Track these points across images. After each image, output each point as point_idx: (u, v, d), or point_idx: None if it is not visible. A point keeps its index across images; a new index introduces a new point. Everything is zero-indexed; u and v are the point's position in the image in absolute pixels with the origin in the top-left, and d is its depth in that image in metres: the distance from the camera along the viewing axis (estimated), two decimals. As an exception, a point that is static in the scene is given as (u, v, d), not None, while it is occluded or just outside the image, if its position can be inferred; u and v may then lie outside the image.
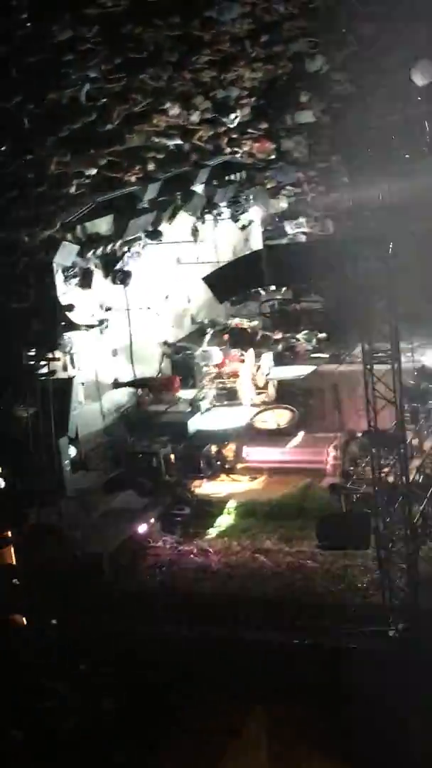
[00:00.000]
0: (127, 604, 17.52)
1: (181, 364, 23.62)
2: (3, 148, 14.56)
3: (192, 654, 16.38)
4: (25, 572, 16.50)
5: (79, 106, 15.59)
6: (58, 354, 17.98)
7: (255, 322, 26.16)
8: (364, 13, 17.99)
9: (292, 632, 16.51)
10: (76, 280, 19.23)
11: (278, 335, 25.52)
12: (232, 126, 20.54)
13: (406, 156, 18.98)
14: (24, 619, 16.08)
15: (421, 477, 19.46)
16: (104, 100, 16.07)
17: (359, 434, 21.97)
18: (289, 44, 18.55)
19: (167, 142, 18.85)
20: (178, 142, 19.13)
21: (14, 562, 16.55)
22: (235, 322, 25.89)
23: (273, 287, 26.38)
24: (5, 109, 13.95)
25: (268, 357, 24.41)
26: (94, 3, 13.93)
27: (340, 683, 15.23)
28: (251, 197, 26.49)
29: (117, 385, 21.55)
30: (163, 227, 22.20)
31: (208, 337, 23.90)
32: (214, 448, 22.42)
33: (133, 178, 19.14)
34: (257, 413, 23.13)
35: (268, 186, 26.82)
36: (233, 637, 16.65)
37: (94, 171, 17.10)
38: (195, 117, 18.74)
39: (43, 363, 17.16)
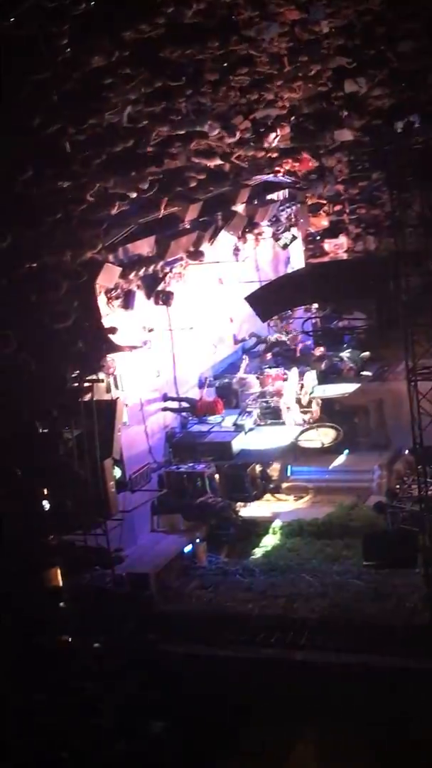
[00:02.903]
0: (173, 624, 17.49)
1: (224, 388, 23.63)
2: (46, 172, 14.69)
3: (239, 675, 16.31)
4: (72, 594, 16.52)
5: (120, 130, 15.70)
6: (101, 376, 18.05)
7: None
8: (402, 30, 17.93)
9: (340, 653, 16.37)
10: (118, 302, 19.33)
11: (319, 352, 25.46)
12: (272, 146, 20.56)
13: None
14: (70, 640, 16.07)
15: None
16: (145, 122, 16.16)
17: (405, 452, 21.84)
18: (327, 63, 18.54)
19: (207, 162, 18.90)
20: (218, 162, 19.18)
21: (60, 584, 16.58)
22: (275, 336, 25.82)
23: (315, 305, 26.38)
24: (47, 134, 14.08)
25: (311, 375, 24.33)
26: (132, 28, 14.04)
27: (390, 703, 15.07)
28: (292, 216, 26.49)
29: (166, 398, 21.60)
30: (205, 247, 22.26)
31: (244, 365, 23.86)
32: (258, 468, 22.39)
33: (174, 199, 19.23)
34: (301, 432, 23.04)
35: (309, 204, 26.84)
36: (281, 658, 16.55)
37: (134, 194, 17.18)
38: (234, 137, 18.78)
39: (87, 385, 17.22)
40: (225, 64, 16.44)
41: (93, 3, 13.26)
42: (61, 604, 16.21)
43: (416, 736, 14.75)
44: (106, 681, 15.53)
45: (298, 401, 23.50)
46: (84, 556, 17.07)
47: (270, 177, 22.76)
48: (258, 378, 23.82)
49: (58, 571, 16.69)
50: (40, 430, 16.48)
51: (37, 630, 15.53)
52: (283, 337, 25.73)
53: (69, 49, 13.54)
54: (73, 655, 15.81)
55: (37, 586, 16.01)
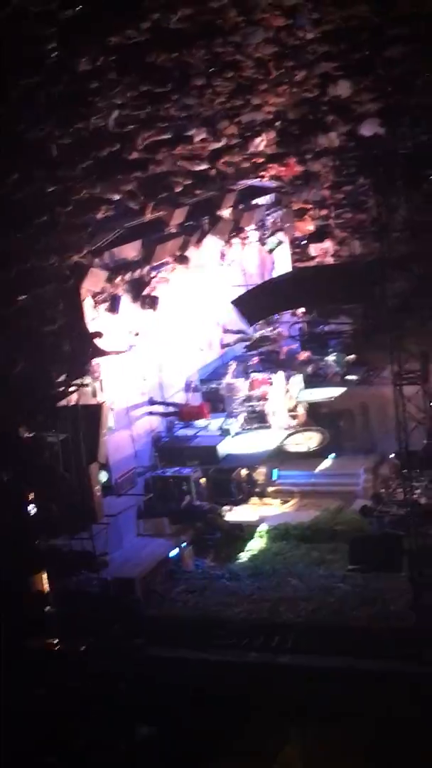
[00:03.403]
0: (159, 629, 17.48)
1: (210, 392, 23.63)
2: (32, 176, 14.70)
3: (225, 679, 16.31)
4: (58, 598, 16.49)
5: (106, 134, 15.72)
6: (87, 380, 18.03)
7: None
8: (389, 35, 18.01)
9: (326, 656, 16.38)
10: (104, 306, 19.32)
11: (304, 355, 25.50)
12: (257, 150, 20.62)
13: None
14: (57, 644, 16.05)
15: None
16: (131, 127, 16.18)
17: (391, 456, 21.89)
18: (313, 68, 18.60)
19: (193, 167, 18.92)
20: (205, 167, 19.20)
21: (47, 589, 16.55)
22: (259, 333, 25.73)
23: (302, 309, 26.42)
24: (34, 138, 14.09)
25: (297, 379, 24.36)
26: (118, 33, 14.07)
27: (375, 707, 15.10)
28: (278, 220, 26.53)
29: (152, 403, 21.60)
30: (191, 252, 22.28)
31: (232, 369, 23.86)
32: (244, 472, 22.40)
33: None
34: (288, 436, 23.07)
35: (295, 208, 26.89)
36: (267, 661, 16.55)
37: (120, 197, 17.19)
38: (221, 142, 18.82)
39: (72, 389, 17.20)
40: (211, 69, 16.48)
41: (79, 8, 13.29)
42: (47, 608, 16.18)
43: (402, 739, 14.77)
44: (93, 685, 15.50)
45: (284, 405, 23.53)
46: (70, 560, 17.04)
47: (256, 182, 22.78)
48: (247, 382, 23.82)
49: (44, 576, 16.66)
50: (26, 434, 16.43)
51: (23, 634, 15.50)
52: (267, 333, 25.65)
53: (56, 54, 13.56)
54: (59, 659, 15.78)
55: (24, 590, 15.97)
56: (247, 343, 25.32)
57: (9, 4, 12.29)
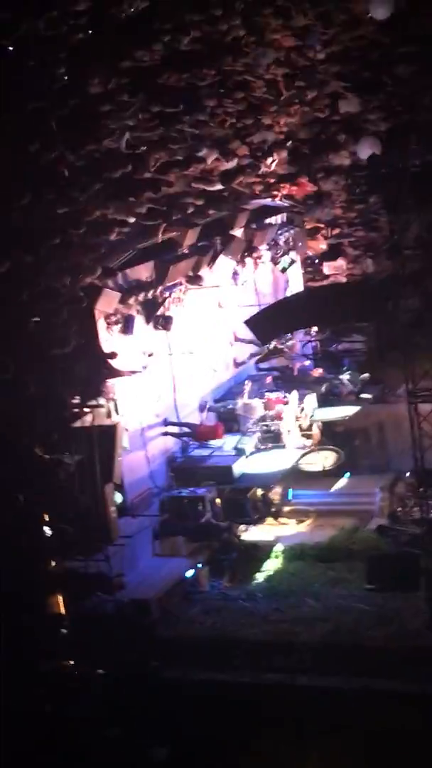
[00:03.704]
0: (175, 650, 17.41)
1: (225, 413, 23.61)
2: (44, 198, 14.77)
3: (243, 700, 16.21)
4: (73, 620, 16.45)
5: (118, 155, 15.79)
6: (102, 401, 18.05)
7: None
8: (398, 54, 18.08)
9: (343, 677, 16.27)
10: (118, 327, 19.37)
11: (317, 372, 25.50)
12: (270, 170, 20.67)
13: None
14: (73, 667, 16.00)
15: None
16: (143, 148, 16.25)
17: (407, 474, 21.82)
18: (323, 88, 18.67)
19: (206, 187, 18.97)
20: (217, 187, 19.26)
21: (63, 611, 16.52)
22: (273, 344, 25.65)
23: (315, 328, 26.43)
24: (45, 160, 14.16)
25: (311, 398, 24.33)
26: (129, 57, 14.15)
27: (394, 727, 14.98)
28: (291, 239, 26.58)
29: (166, 423, 21.59)
30: (204, 272, 22.33)
31: (248, 389, 23.84)
32: (260, 492, 22.35)
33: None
34: (302, 455, 23.02)
35: (308, 227, 26.95)
36: (285, 682, 16.46)
37: (133, 219, 17.25)
38: (233, 162, 18.88)
39: (87, 410, 17.22)
40: (221, 90, 16.56)
41: (90, 32, 13.38)
42: (63, 630, 16.13)
43: (420, 760, 14.63)
44: (110, 707, 15.43)
45: (299, 425, 23.49)
46: (85, 582, 17.00)
47: (268, 201, 22.83)
48: (263, 402, 23.79)
49: (60, 598, 16.62)
50: (41, 456, 16.44)
51: (38, 657, 15.46)
52: (279, 344, 25.64)
53: (66, 77, 13.64)
54: (76, 682, 15.73)
55: (39, 612, 15.94)
56: (259, 355, 25.28)
57: (19, 29, 12.38)
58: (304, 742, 15.46)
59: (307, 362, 26.56)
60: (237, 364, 25.27)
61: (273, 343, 25.42)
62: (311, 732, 15.42)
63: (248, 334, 23.34)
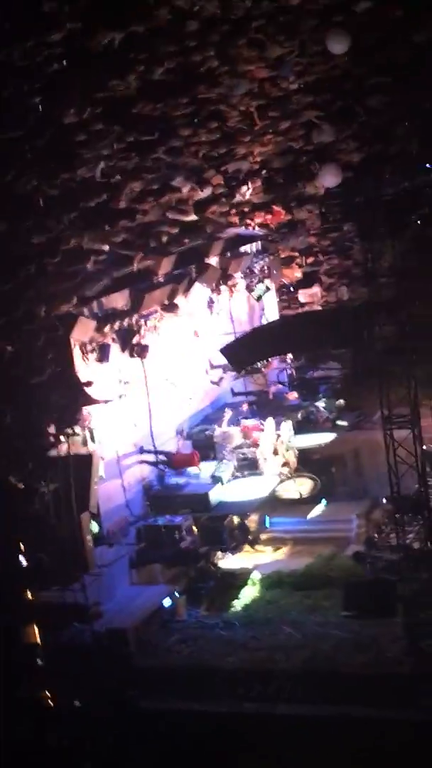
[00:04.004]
0: (153, 679, 17.29)
1: (201, 441, 23.58)
2: (20, 226, 14.79)
3: (221, 730, 16.11)
4: (49, 651, 16.32)
5: (93, 185, 15.85)
6: (77, 429, 18.01)
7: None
8: (370, 84, 18.32)
9: (323, 705, 16.21)
10: (94, 355, 19.37)
11: (292, 396, 25.57)
12: (244, 198, 20.81)
13: (418, 222, 19.17)
14: (49, 698, 15.84)
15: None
16: (118, 177, 16.32)
17: (383, 500, 21.87)
18: (297, 118, 18.86)
19: (180, 217, 19.08)
20: (192, 218, 19.36)
21: (38, 641, 16.38)
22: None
23: (290, 356, 26.52)
24: (20, 190, 14.19)
25: (288, 425, 24.37)
26: (104, 87, 14.25)
27: (373, 754, 14.92)
28: (265, 267, 26.73)
29: (142, 451, 21.55)
30: (179, 300, 22.39)
31: (227, 417, 23.86)
32: (236, 520, 22.31)
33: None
34: (279, 483, 23.03)
35: (282, 256, 27.11)
36: (263, 711, 16.37)
37: (108, 247, 17.31)
38: (207, 191, 18.99)
39: (62, 438, 17.17)
40: (195, 120, 16.68)
41: (65, 62, 13.46)
42: (39, 661, 15.99)
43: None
44: (86, 738, 15.28)
45: (275, 452, 23.51)
46: (61, 612, 16.88)
47: (242, 230, 22.97)
48: (241, 430, 23.79)
49: (36, 628, 16.48)
50: (16, 484, 16.36)
51: (12, 687, 15.30)
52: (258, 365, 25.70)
53: (41, 107, 13.70)
54: (51, 713, 15.58)
55: (14, 642, 15.79)
56: (235, 374, 25.28)
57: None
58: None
59: (282, 386, 26.63)
60: (214, 382, 25.18)
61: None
62: (290, 761, 15.31)
63: (223, 360, 23.42)
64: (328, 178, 19.39)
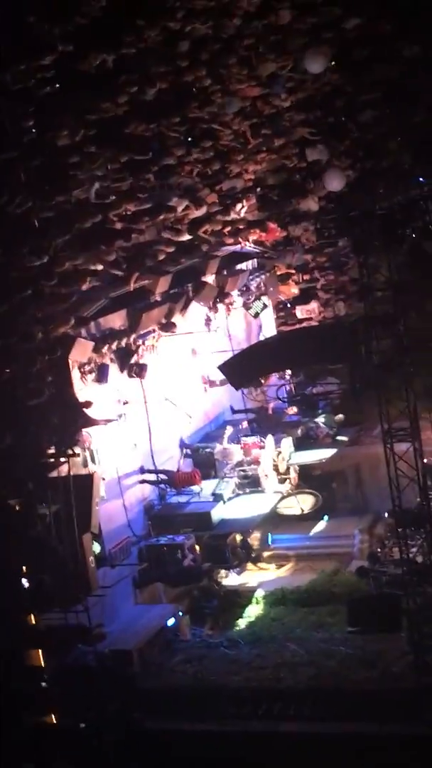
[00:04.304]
0: (158, 701, 17.21)
1: (201, 459, 23.55)
2: (15, 249, 14.81)
3: (227, 749, 16.02)
4: (54, 673, 16.24)
5: (88, 206, 15.90)
6: (77, 450, 17.99)
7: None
8: (361, 101, 18.42)
9: (329, 722, 16.12)
10: (92, 376, 19.38)
11: (291, 411, 25.57)
12: (239, 216, 20.87)
13: (413, 235, 19.20)
14: (54, 720, 15.75)
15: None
16: (112, 198, 16.38)
17: (385, 515, 21.82)
18: (290, 135, 18.95)
19: (175, 237, 19.13)
20: (186, 237, 19.41)
21: (42, 664, 16.31)
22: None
23: (289, 372, 26.53)
24: (14, 212, 14.22)
25: (288, 442, 24.35)
26: (96, 109, 14.31)
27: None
28: (262, 284, 26.78)
29: (143, 471, 21.53)
30: (177, 319, 22.42)
31: (227, 434, 23.85)
32: (239, 537, 22.27)
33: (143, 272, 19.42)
34: (280, 499, 23.00)
35: (278, 273, 27.16)
36: (269, 730, 16.29)
37: (103, 267, 17.34)
38: (202, 210, 19.05)
39: (63, 459, 17.14)
40: (189, 139, 16.76)
41: (57, 84, 13.53)
42: (43, 683, 15.91)
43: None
44: (91, 761, 15.19)
45: (276, 468, 23.48)
46: (65, 634, 16.80)
47: (238, 248, 23.03)
48: (241, 448, 23.77)
49: (39, 651, 16.41)
50: (16, 507, 16.32)
51: (17, 711, 15.22)
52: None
53: (34, 129, 13.76)
54: (55, 736, 15.48)
55: (17, 665, 15.72)
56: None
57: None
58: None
59: (281, 401, 26.65)
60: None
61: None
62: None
63: (219, 376, 23.42)
64: (334, 183, 19.40)
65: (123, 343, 20.54)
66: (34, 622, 16.25)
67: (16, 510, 16.27)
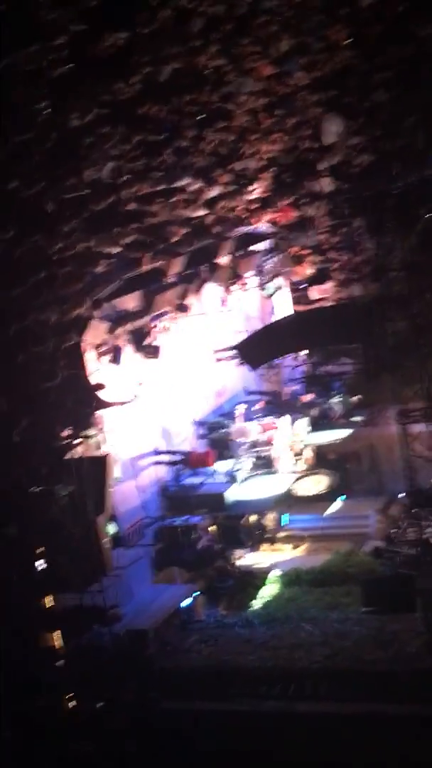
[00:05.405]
0: (173, 681, 17.28)
1: (216, 439, 23.56)
2: (28, 232, 14.79)
3: (242, 729, 16.08)
4: (70, 653, 16.33)
5: (101, 187, 15.86)
6: (92, 432, 18.02)
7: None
8: (376, 80, 18.27)
9: (344, 702, 16.16)
10: (107, 357, 19.39)
11: (308, 397, 25.54)
12: (252, 197, 20.80)
13: (427, 215, 19.10)
14: (71, 700, 15.86)
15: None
16: (126, 176, 16.32)
17: (400, 495, 21.79)
18: (303, 115, 18.82)
19: (190, 213, 19.05)
20: (201, 212, 19.32)
21: (58, 644, 16.40)
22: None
23: (304, 352, 26.48)
24: (28, 194, 14.20)
25: (303, 423, 24.33)
26: (109, 90, 14.25)
27: (396, 751, 14.86)
28: (276, 265, 26.70)
29: (157, 452, 21.56)
30: (191, 300, 22.38)
31: (240, 412, 23.82)
32: (253, 518, 22.29)
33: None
34: (295, 480, 22.99)
35: (293, 253, 27.05)
36: (284, 710, 16.33)
37: (118, 249, 17.32)
38: (216, 190, 18.98)
39: (77, 442, 17.18)
40: (202, 119, 16.68)
41: (70, 66, 13.47)
42: (59, 663, 16.00)
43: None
44: (108, 740, 15.29)
45: (291, 449, 23.47)
46: (81, 615, 16.89)
47: (252, 228, 22.94)
48: (255, 426, 23.78)
49: (55, 631, 16.50)
50: (32, 489, 16.39)
51: (34, 691, 15.32)
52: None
53: (48, 111, 13.72)
54: (73, 716, 15.58)
55: (35, 646, 15.81)
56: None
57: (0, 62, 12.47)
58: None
59: (297, 387, 26.60)
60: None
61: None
62: (313, 758, 15.27)
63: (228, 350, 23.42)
64: (332, 128, 19.11)
65: (137, 324, 20.53)
66: (50, 603, 16.30)
67: (31, 492, 16.33)
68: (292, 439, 23.71)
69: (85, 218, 15.80)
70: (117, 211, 16.69)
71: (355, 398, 25.86)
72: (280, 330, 24.20)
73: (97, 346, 18.99)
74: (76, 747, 15.28)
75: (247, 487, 22.12)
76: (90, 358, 18.68)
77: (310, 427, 24.42)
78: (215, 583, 20.79)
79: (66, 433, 17.11)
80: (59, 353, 16.45)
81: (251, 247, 25.34)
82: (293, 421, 24.10)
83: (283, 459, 23.12)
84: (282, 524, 23.11)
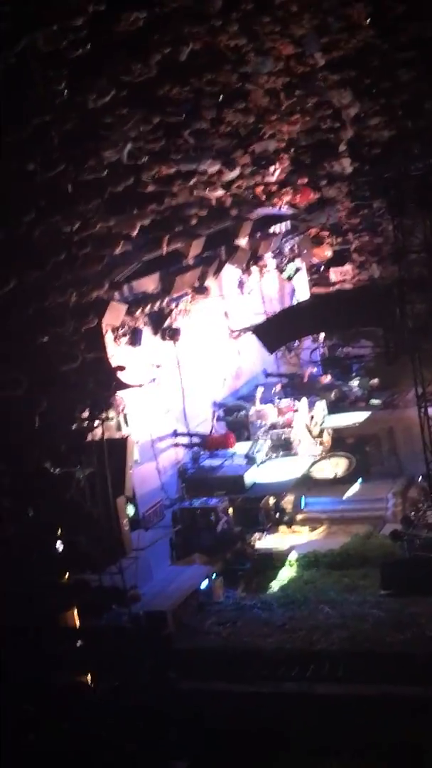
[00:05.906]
0: (192, 662, 17.35)
1: (235, 421, 23.55)
2: (48, 214, 14.76)
3: (260, 710, 16.15)
4: (89, 634, 16.40)
5: (120, 168, 15.80)
6: (111, 414, 18.04)
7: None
8: (398, 59, 18.10)
9: (363, 684, 16.19)
10: (125, 339, 19.39)
11: (326, 379, 25.52)
12: (272, 179, 20.70)
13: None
14: (89, 680, 15.93)
15: None
16: (145, 158, 16.26)
17: (419, 478, 21.76)
18: (323, 95, 18.69)
19: (209, 194, 18.97)
20: (220, 192, 19.24)
21: (78, 625, 16.48)
22: None
23: (322, 335, 26.43)
24: (47, 176, 14.16)
25: (321, 405, 24.29)
26: (128, 70, 14.17)
27: (413, 733, 14.89)
28: (295, 247, 26.61)
29: (177, 434, 21.58)
30: (210, 282, 22.34)
31: (259, 394, 23.81)
32: (272, 500, 22.31)
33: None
34: (314, 463, 22.99)
35: (312, 235, 26.96)
36: (303, 691, 16.38)
37: (137, 231, 17.27)
38: (235, 172, 18.89)
39: (96, 423, 17.21)
40: (222, 100, 16.58)
41: (89, 46, 13.39)
42: (78, 643, 16.07)
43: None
44: (126, 721, 15.37)
45: (309, 432, 23.45)
46: (100, 595, 16.96)
47: (271, 210, 22.85)
48: (274, 408, 23.76)
49: (75, 612, 16.58)
50: (52, 470, 16.43)
51: (53, 670, 15.40)
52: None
53: (67, 92, 13.66)
54: (90, 695, 15.66)
55: (54, 626, 15.89)
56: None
57: (17, 45, 12.39)
58: (323, 750, 15.36)
59: (315, 369, 26.56)
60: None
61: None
62: (330, 740, 15.33)
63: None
64: (313, 44, 18.82)
65: (156, 306, 20.52)
66: (69, 583, 16.38)
67: (50, 474, 16.37)
68: (311, 421, 23.67)
69: (104, 200, 15.74)
70: (136, 193, 16.63)
71: (374, 381, 25.80)
72: (298, 312, 24.15)
73: (116, 328, 18.98)
74: (92, 725, 15.38)
75: (265, 470, 22.12)
76: (109, 340, 18.69)
77: (327, 410, 24.37)
78: (233, 565, 20.83)
79: (86, 414, 17.13)
80: (79, 335, 16.43)
81: (271, 229, 25.25)
82: (312, 404, 24.05)
83: (302, 441, 23.09)
84: (300, 507, 23.16)
